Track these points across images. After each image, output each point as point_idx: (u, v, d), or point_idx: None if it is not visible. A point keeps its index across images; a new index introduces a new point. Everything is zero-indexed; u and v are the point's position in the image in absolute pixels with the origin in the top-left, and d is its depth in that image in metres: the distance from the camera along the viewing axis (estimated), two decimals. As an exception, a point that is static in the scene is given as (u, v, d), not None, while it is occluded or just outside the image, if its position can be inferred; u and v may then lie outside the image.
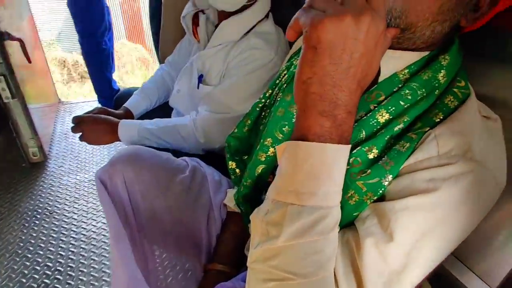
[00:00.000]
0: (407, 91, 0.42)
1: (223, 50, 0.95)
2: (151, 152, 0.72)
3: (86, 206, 1.45)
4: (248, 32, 0.93)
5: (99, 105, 2.04)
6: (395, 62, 0.43)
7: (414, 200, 0.37)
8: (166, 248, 0.71)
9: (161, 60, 1.45)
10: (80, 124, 0.93)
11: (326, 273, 0.35)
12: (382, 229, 0.37)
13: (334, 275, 0.37)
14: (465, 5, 0.40)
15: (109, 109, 1.06)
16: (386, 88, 0.43)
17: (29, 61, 1.49)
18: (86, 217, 1.39)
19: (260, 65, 0.90)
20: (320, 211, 0.34)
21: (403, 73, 0.43)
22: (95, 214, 1.40)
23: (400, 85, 0.43)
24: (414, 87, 0.42)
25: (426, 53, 0.43)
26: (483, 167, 0.38)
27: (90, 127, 0.93)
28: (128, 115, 1.11)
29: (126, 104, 1.13)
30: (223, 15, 0.94)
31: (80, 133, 0.94)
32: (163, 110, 1.19)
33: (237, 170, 0.70)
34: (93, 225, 1.35)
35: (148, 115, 1.16)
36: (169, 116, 1.14)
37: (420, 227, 0.37)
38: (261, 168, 0.58)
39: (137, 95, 1.17)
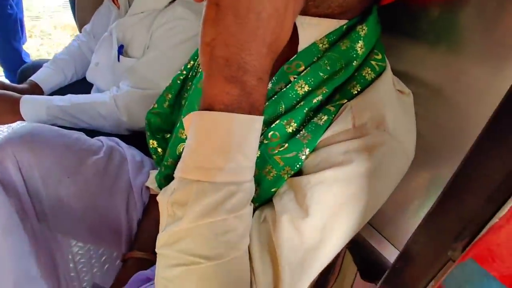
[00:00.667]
0: (326, 61, 0.41)
1: (146, 18, 0.85)
2: (53, 130, 0.63)
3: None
4: (173, 0, 0.85)
5: (7, 81, 1.77)
6: (314, 30, 0.41)
7: (329, 173, 0.36)
8: (77, 236, 0.63)
9: (80, 29, 1.28)
10: None
11: (238, 252, 0.33)
12: (298, 204, 0.37)
13: (249, 254, 0.36)
14: None
15: (8, 83, 0.90)
16: (305, 58, 0.42)
17: None
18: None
19: (187, 37, 0.83)
20: (229, 187, 0.31)
21: (322, 42, 0.42)
22: None
23: (319, 55, 0.41)
24: (333, 57, 0.41)
25: (344, 21, 0.42)
26: (395, 139, 0.39)
27: None
28: (36, 90, 0.96)
29: (32, 77, 0.97)
30: None
31: None
32: (80, 86, 1.05)
33: (159, 150, 0.64)
34: None
35: (62, 91, 1.01)
36: (88, 93, 1.01)
37: (336, 200, 0.37)
38: (182, 147, 0.53)
39: (48, 67, 1.01)
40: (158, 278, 0.35)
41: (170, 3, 0.85)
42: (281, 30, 0.31)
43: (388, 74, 0.43)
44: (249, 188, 0.33)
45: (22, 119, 0.81)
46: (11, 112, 0.79)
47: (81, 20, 1.24)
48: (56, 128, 0.64)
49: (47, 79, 0.99)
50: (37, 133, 0.60)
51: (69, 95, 0.85)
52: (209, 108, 0.31)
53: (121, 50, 0.88)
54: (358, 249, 0.69)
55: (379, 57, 0.43)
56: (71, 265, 0.62)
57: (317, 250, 0.37)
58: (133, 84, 0.84)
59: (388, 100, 0.41)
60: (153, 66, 0.84)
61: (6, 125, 1.49)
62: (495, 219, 0.26)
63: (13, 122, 0.82)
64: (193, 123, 0.32)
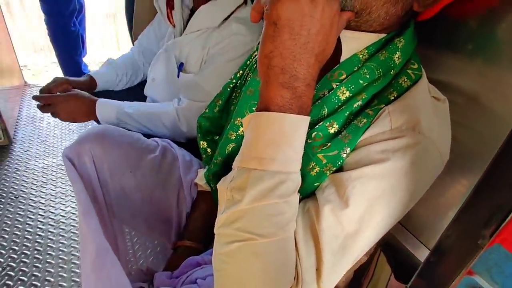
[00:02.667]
0: (365, 71, 0.45)
1: (202, 36, 0.93)
2: (120, 131, 0.72)
3: (54, 190, 1.41)
4: (227, 18, 0.92)
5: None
6: (355, 43, 0.46)
7: (368, 170, 0.41)
8: (136, 226, 0.71)
9: (133, 42, 1.42)
10: (51, 105, 0.91)
11: (286, 233, 0.38)
12: (339, 197, 0.41)
13: (294, 238, 0.41)
14: None
15: (72, 78, 1.04)
16: (347, 67, 0.46)
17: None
18: (54, 201, 1.36)
19: (243, 52, 0.90)
20: (280, 175, 0.37)
21: (362, 53, 0.46)
22: (63, 199, 1.37)
23: (359, 65, 0.46)
24: (372, 66, 0.45)
25: (383, 35, 0.46)
26: (429, 140, 0.42)
27: (65, 106, 0.90)
28: (91, 83, 1.09)
29: (90, 72, 1.10)
30: (200, 0, 0.92)
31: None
32: (135, 97, 1.16)
33: (208, 150, 0.71)
34: (62, 209, 1.32)
35: (115, 95, 1.12)
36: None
37: (372, 193, 0.40)
38: (231, 147, 0.60)
39: (104, 66, 1.15)
40: (215, 255, 0.40)
41: (224, 20, 0.91)
42: (327, 43, 0.37)
43: (423, 82, 0.46)
44: (296, 178, 0.39)
45: (96, 119, 0.93)
46: (88, 113, 0.92)
47: (136, 34, 1.37)
48: (122, 129, 0.74)
49: (102, 75, 1.11)
50: (107, 132, 0.70)
51: (137, 103, 0.96)
52: (266, 109, 0.37)
53: (181, 67, 0.96)
54: (393, 251, 0.71)
55: (415, 66, 0.47)
56: (130, 250, 0.70)
57: (355, 237, 0.40)
58: (192, 97, 0.92)
59: (423, 105, 0.44)
60: (211, 79, 0.90)
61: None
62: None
63: (88, 121, 0.95)
64: (251, 122, 0.39)
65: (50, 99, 0.91)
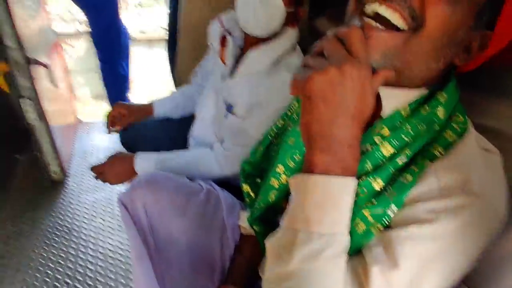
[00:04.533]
0: (408, 126, 0.45)
1: (251, 80, 0.91)
2: (168, 177, 0.77)
3: (102, 224, 1.50)
4: (277, 63, 0.90)
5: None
6: (397, 99, 0.47)
7: (416, 230, 0.40)
8: (181, 269, 0.74)
9: (177, 85, 1.51)
10: (102, 172, 1.00)
11: None
12: (388, 257, 0.40)
13: None
14: (457, 45, 0.43)
15: (129, 104, 1.18)
16: (389, 123, 0.47)
17: (56, 85, 1.59)
18: (102, 235, 1.44)
19: (290, 101, 0.86)
20: (327, 237, 0.38)
21: (404, 109, 0.46)
22: (111, 233, 1.45)
23: (401, 121, 0.46)
24: (414, 122, 0.45)
25: (425, 90, 0.47)
26: (482, 199, 0.40)
27: (111, 173, 0.99)
28: (148, 109, 1.18)
29: (152, 101, 1.20)
30: (251, 41, 0.91)
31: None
32: (182, 124, 1.20)
33: (251, 193, 0.73)
34: (109, 243, 1.39)
35: (167, 124, 1.19)
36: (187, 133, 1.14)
37: (423, 255, 0.39)
38: (274, 194, 0.61)
39: (164, 97, 1.24)
40: None
41: (273, 65, 0.90)
42: (363, 103, 0.39)
43: (471, 135, 0.45)
44: (344, 240, 0.40)
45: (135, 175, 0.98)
46: (130, 171, 0.98)
47: (179, 76, 1.46)
48: (169, 174, 0.79)
49: (161, 104, 1.21)
50: (156, 178, 0.75)
51: (174, 152, 0.99)
52: (309, 171, 0.39)
53: (231, 109, 0.95)
54: None
55: (460, 119, 0.46)
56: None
57: None
58: (237, 142, 0.92)
59: (472, 161, 0.43)
60: (259, 126, 0.87)
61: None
62: None
63: (133, 177, 0.98)
64: (298, 184, 0.41)
65: (98, 169, 1.01)
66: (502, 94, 0.55)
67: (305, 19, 1.07)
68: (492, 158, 0.46)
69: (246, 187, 0.73)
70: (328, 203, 0.38)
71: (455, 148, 0.44)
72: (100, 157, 1.99)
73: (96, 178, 1.02)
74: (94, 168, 1.02)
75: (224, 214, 0.79)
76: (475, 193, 0.40)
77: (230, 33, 0.97)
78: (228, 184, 0.96)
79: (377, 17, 0.41)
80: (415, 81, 0.45)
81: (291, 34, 0.91)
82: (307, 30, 1.12)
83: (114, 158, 1.01)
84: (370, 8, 0.41)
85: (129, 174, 0.98)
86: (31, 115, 1.55)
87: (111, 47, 1.85)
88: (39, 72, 1.58)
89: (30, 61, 1.49)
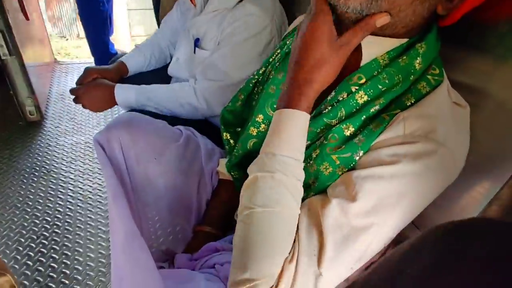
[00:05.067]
0: (385, 76, 0.46)
1: (218, 16, 0.95)
2: (147, 120, 0.76)
3: (82, 167, 1.49)
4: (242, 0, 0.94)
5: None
6: (376, 48, 0.46)
7: (377, 170, 0.42)
8: (158, 210, 0.76)
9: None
10: (79, 95, 0.97)
11: (281, 208, 0.43)
12: (347, 193, 0.42)
13: (297, 225, 0.43)
14: None
15: (100, 67, 1.08)
16: (366, 71, 0.47)
17: (27, 19, 1.47)
18: (82, 177, 1.44)
19: (256, 32, 0.91)
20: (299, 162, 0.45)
21: (383, 58, 0.46)
22: (90, 176, 1.45)
23: (379, 70, 0.46)
24: (392, 72, 0.45)
25: (405, 40, 0.46)
26: (444, 148, 0.42)
27: (87, 96, 0.97)
28: (121, 68, 1.13)
29: (120, 58, 1.15)
30: None
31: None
32: (157, 76, 1.19)
33: (231, 141, 0.74)
34: (89, 186, 1.40)
35: (145, 77, 1.17)
36: (168, 83, 1.15)
37: (381, 193, 0.41)
38: (252, 142, 0.62)
39: (132, 51, 1.19)
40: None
41: (240, 1, 0.93)
42: (305, 52, 0.44)
43: (443, 87, 0.46)
44: (294, 164, 0.44)
45: (116, 104, 0.98)
46: (109, 99, 0.97)
47: (162, 17, 1.38)
48: (148, 117, 0.77)
49: (131, 59, 1.16)
50: (134, 120, 0.73)
51: (154, 84, 0.99)
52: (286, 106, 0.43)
53: (197, 43, 1.00)
54: None
55: (436, 71, 0.47)
56: (151, 229, 0.75)
57: (360, 231, 0.41)
58: (208, 76, 0.95)
59: (440, 112, 0.44)
60: (225, 59, 0.92)
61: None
62: None
63: (112, 107, 1.00)
64: (280, 116, 0.46)
65: (76, 92, 0.98)
66: (484, 51, 0.55)
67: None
68: (460, 111, 0.47)
69: (226, 135, 0.74)
70: (298, 134, 0.45)
71: (426, 99, 0.44)
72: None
73: (74, 100, 0.99)
74: (72, 90, 0.99)
75: (203, 159, 0.80)
76: (438, 141, 0.42)
77: None
78: (208, 131, 0.97)
79: None
80: (398, 27, 0.44)
81: None
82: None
83: (94, 84, 0.98)
84: None
85: (107, 102, 0.97)
86: (3, 50, 1.45)
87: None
88: (12, 5, 1.46)
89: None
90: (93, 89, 0.97)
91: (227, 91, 0.93)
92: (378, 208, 0.41)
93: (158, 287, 0.49)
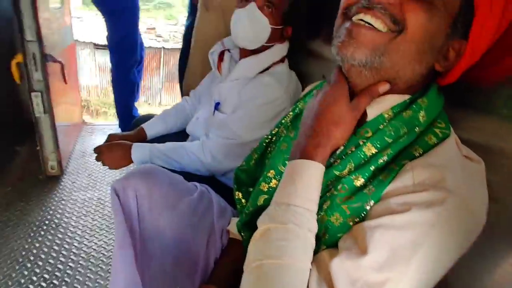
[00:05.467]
0: (390, 128, 0.48)
1: (239, 84, 1.05)
2: (165, 172, 0.78)
3: (91, 223, 1.48)
4: (263, 71, 1.04)
5: (119, 129, 2.16)
6: (380, 106, 0.50)
7: (387, 219, 0.41)
8: (163, 263, 0.72)
9: (183, 93, 1.56)
10: (99, 153, 1.06)
11: (292, 261, 0.41)
12: (357, 245, 0.41)
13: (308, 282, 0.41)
14: (437, 50, 0.47)
15: (121, 133, 1.20)
16: (372, 126, 0.49)
17: (65, 82, 1.63)
18: (89, 233, 1.42)
19: (269, 101, 1.00)
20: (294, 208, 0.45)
21: (387, 113, 0.49)
22: (98, 232, 1.43)
23: (384, 123, 0.49)
24: (397, 124, 0.48)
25: (407, 96, 0.49)
26: (455, 196, 0.41)
27: (107, 155, 1.05)
28: (141, 134, 1.21)
29: (142, 125, 1.23)
30: (244, 53, 1.06)
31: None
32: (178, 136, 1.26)
33: (243, 200, 0.74)
34: (95, 243, 1.37)
35: (163, 140, 1.23)
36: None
37: (392, 244, 0.39)
38: (263, 198, 0.62)
39: (155, 118, 1.28)
40: None
41: (260, 73, 1.04)
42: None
43: (451, 140, 0.47)
44: (309, 215, 0.45)
45: (132, 162, 1.05)
46: (125, 157, 1.04)
47: (187, 87, 1.50)
48: (166, 170, 0.80)
49: (152, 126, 1.25)
50: (153, 171, 0.75)
51: (168, 142, 1.07)
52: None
53: (217, 106, 1.08)
54: None
55: (442, 125, 0.48)
56: (154, 283, 0.71)
57: (375, 287, 0.39)
58: (220, 134, 1.02)
59: (450, 163, 0.44)
60: (238, 121, 1.01)
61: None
62: None
63: (128, 164, 1.06)
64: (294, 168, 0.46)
65: (98, 149, 1.07)
66: (487, 111, 0.56)
67: (302, 40, 1.18)
68: (473, 165, 0.47)
69: (238, 194, 0.74)
70: (314, 185, 0.46)
71: (435, 150, 0.45)
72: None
73: (96, 158, 1.06)
74: (96, 148, 1.07)
75: (215, 216, 0.79)
76: (448, 189, 0.41)
77: (228, 50, 1.14)
78: (222, 191, 0.98)
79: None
80: (399, 83, 0.48)
81: (280, 48, 1.06)
82: (305, 51, 1.20)
83: (113, 143, 1.07)
84: (356, 18, 0.46)
85: (125, 160, 1.04)
86: (39, 108, 1.58)
87: (125, 54, 1.92)
88: (53, 69, 1.64)
89: (46, 57, 1.54)
90: (114, 147, 1.06)
91: (234, 149, 0.99)
92: (392, 261, 0.39)
93: None
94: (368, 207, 0.44)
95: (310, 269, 0.42)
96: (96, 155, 1.07)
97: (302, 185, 0.45)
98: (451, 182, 0.41)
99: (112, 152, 1.04)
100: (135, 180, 0.72)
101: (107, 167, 1.06)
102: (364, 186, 0.46)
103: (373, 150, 0.47)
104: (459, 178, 0.43)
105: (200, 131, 1.13)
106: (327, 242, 0.46)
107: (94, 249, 1.33)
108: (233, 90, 1.05)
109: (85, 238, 1.39)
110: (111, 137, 1.17)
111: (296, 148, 0.49)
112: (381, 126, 0.49)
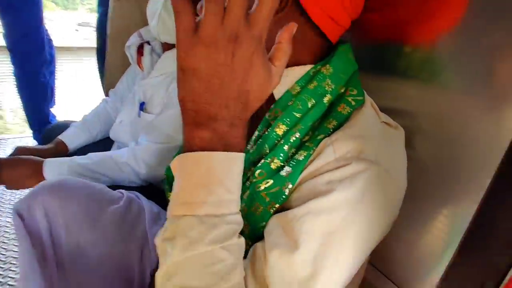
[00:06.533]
0: (298, 103, 0.46)
1: (166, 80, 0.96)
2: (80, 182, 0.67)
3: (4, 254, 1.26)
4: None
5: (35, 141, 1.89)
6: (284, 80, 0.47)
7: (313, 204, 0.38)
8: (91, 286, 0.63)
9: (106, 94, 1.41)
10: None
11: (229, 283, 0.34)
12: (287, 238, 0.38)
13: None
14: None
15: (32, 147, 0.98)
16: (281, 104, 0.47)
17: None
18: (2, 267, 1.20)
19: None
20: (212, 219, 0.33)
21: (293, 88, 0.47)
22: (14, 264, 1.22)
23: (292, 99, 0.47)
24: (304, 97, 0.46)
25: (310, 67, 0.48)
26: (377, 165, 0.40)
27: (8, 172, 0.83)
28: (61, 148, 1.03)
29: (59, 136, 1.05)
30: (167, 47, 0.97)
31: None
32: (101, 145, 1.12)
33: None
34: (10, 277, 1.16)
35: (83, 150, 1.08)
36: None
37: (324, 229, 0.38)
38: None
39: (75, 127, 1.10)
40: None
41: None
42: (249, 85, 0.34)
43: (367, 107, 0.46)
44: (234, 220, 0.35)
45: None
46: (34, 175, 0.83)
47: (109, 85, 1.37)
48: (82, 180, 0.69)
49: (74, 138, 1.07)
50: (65, 183, 0.64)
51: (89, 154, 0.91)
52: (189, 150, 0.34)
53: (142, 106, 0.98)
54: None
55: (354, 92, 0.47)
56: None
57: (311, 281, 0.37)
58: (151, 139, 0.91)
59: (368, 131, 0.43)
60: (169, 122, 0.90)
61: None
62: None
63: (36, 184, 0.86)
64: (177, 166, 0.35)
65: None
66: (412, 76, 0.58)
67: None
68: (392, 131, 0.47)
69: (170, 195, 0.67)
70: (211, 181, 0.33)
71: (350, 120, 0.44)
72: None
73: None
74: None
75: (147, 224, 0.71)
76: (369, 160, 0.40)
77: (148, 42, 1.03)
78: (155, 196, 0.89)
79: None
80: (296, 57, 0.46)
81: None
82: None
83: (18, 158, 0.85)
84: None
85: (32, 179, 0.83)
86: None
87: (30, 55, 1.67)
88: None
89: None
90: (18, 163, 0.84)
91: (168, 154, 0.88)
92: (324, 248, 0.37)
93: None
94: (286, 191, 0.41)
95: (245, 269, 0.38)
96: None
97: (233, 185, 0.35)
98: (372, 152, 0.41)
99: (14, 169, 0.83)
100: (42, 196, 0.60)
101: (5, 186, 0.84)
102: (281, 167, 0.43)
103: (284, 128, 0.45)
104: (379, 147, 0.42)
105: (126, 136, 1.01)
106: (250, 235, 0.42)
107: (10, 285, 1.14)
108: (159, 87, 0.96)
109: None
110: (18, 150, 0.96)
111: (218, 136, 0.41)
112: (289, 103, 0.46)
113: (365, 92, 0.49)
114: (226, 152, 0.34)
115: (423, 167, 0.52)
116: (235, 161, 0.35)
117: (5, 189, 0.84)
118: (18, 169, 0.83)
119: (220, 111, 0.33)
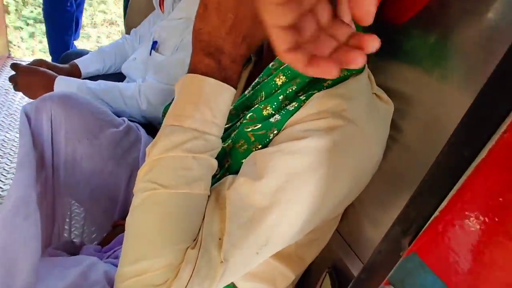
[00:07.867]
0: None
1: (182, 24, 0.97)
2: (87, 100, 0.71)
3: (8, 165, 1.34)
4: None
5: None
6: None
7: (286, 144, 0.41)
8: (79, 197, 0.68)
9: (127, 33, 1.43)
10: (16, 73, 0.88)
11: (190, 190, 0.38)
12: (255, 169, 0.41)
13: (205, 208, 0.41)
14: None
15: (51, 62, 1.01)
16: None
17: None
18: (5, 176, 1.29)
19: None
20: (193, 132, 0.39)
21: None
22: (4, 176, 1.30)
23: None
24: None
25: None
26: (353, 125, 0.41)
27: (24, 78, 0.88)
28: (75, 71, 1.06)
29: (75, 60, 1.08)
30: None
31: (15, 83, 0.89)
32: (114, 78, 1.15)
33: None
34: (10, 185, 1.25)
35: (97, 79, 1.10)
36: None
37: (288, 169, 0.40)
38: None
39: (91, 54, 1.13)
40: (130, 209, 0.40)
41: None
42: (256, 28, 0.39)
43: (363, 76, 0.47)
44: (213, 140, 0.40)
45: None
46: (46, 87, 0.88)
47: (130, 24, 1.38)
48: (89, 98, 0.73)
49: (88, 63, 1.09)
50: (72, 97, 0.69)
51: (99, 81, 0.95)
52: (192, 72, 0.40)
53: (155, 46, 0.99)
54: (340, 276, 0.69)
55: None
56: (66, 219, 0.67)
57: (266, 212, 0.39)
58: (158, 78, 0.94)
59: (356, 94, 0.44)
60: (178, 65, 0.93)
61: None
62: (436, 213, 0.27)
63: None
64: (180, 84, 0.41)
65: (16, 67, 0.89)
66: (403, 58, 0.57)
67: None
68: (380, 103, 0.48)
69: None
70: (200, 100, 0.39)
71: (344, 82, 0.45)
72: (25, 97, 1.79)
73: (14, 88, 0.89)
74: (11, 77, 0.89)
75: (141, 153, 0.75)
76: (348, 118, 0.41)
77: None
78: (154, 134, 0.93)
79: None
80: None
81: None
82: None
83: (36, 69, 0.90)
84: None
85: (43, 90, 0.85)
86: None
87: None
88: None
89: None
90: (35, 72, 0.89)
91: (170, 96, 0.91)
92: (286, 185, 0.39)
93: (27, 263, 0.43)
94: (271, 135, 0.43)
95: (209, 195, 0.41)
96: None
97: (218, 111, 0.41)
98: (352, 112, 0.42)
99: (29, 77, 0.87)
100: (51, 102, 0.65)
101: (18, 90, 0.89)
102: (271, 115, 0.45)
103: (283, 79, 0.46)
104: (361, 110, 0.43)
105: (137, 73, 1.04)
106: (231, 169, 0.45)
107: None
108: (175, 30, 0.97)
109: (1, 180, 1.26)
110: (36, 62, 0.98)
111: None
112: None
113: (366, 64, 0.50)
114: (219, 81, 0.39)
115: (408, 152, 0.53)
116: (226, 92, 0.40)
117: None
118: (33, 78, 0.88)
119: (228, 46, 0.39)
